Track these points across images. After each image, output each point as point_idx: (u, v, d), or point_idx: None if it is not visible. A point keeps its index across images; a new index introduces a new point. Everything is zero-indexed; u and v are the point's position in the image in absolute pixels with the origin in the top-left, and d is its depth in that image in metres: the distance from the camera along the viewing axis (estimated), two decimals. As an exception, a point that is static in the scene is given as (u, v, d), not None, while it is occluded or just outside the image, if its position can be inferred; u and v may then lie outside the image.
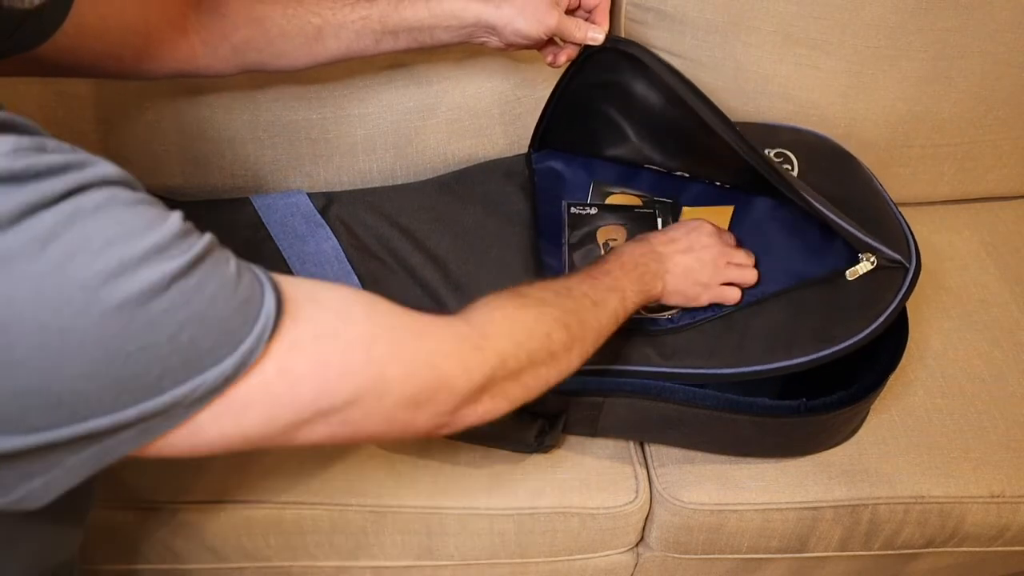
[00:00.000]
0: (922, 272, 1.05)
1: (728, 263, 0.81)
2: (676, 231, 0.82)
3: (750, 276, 0.82)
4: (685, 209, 0.92)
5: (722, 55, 1.01)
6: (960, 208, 1.16)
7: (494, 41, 0.79)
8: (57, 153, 0.39)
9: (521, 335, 0.58)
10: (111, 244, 0.38)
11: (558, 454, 0.87)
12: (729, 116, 0.89)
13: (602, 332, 0.67)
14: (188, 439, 0.43)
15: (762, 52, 1.00)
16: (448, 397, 0.53)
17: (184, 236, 0.41)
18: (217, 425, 0.44)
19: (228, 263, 0.44)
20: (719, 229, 0.83)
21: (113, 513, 0.83)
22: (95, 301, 0.37)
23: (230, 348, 0.42)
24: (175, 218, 0.42)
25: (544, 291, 0.64)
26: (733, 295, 0.81)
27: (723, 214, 0.90)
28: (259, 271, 0.46)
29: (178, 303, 0.40)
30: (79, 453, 0.41)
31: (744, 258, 0.83)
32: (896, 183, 1.11)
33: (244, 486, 0.83)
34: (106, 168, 0.40)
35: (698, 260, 0.79)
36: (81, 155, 0.40)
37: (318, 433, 0.48)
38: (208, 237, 0.43)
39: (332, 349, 0.47)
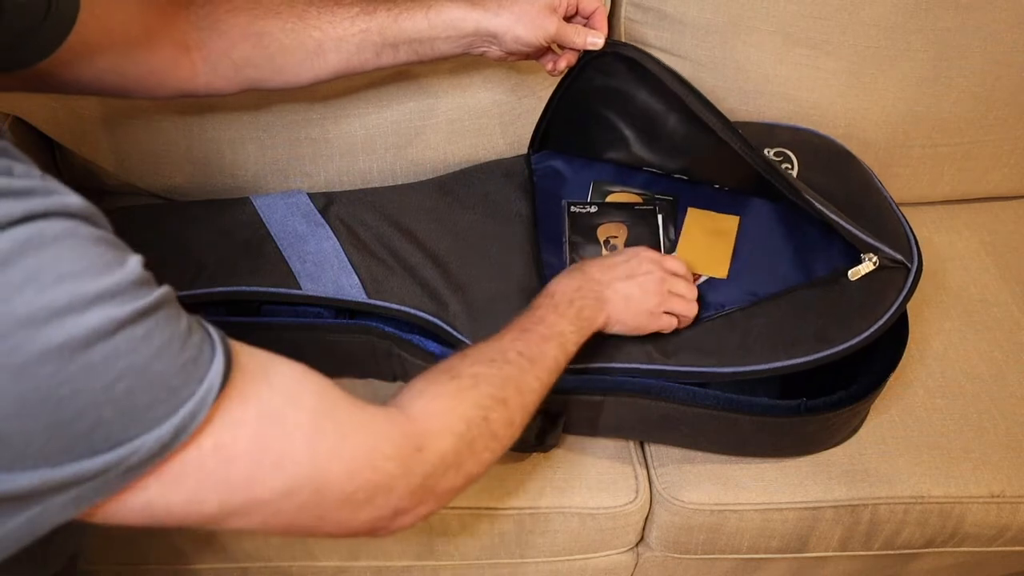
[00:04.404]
0: (923, 272, 1.05)
1: (671, 292, 0.77)
2: (615, 257, 0.78)
3: (691, 310, 0.78)
4: (690, 211, 0.91)
5: (722, 55, 1.01)
6: (960, 208, 1.16)
7: (494, 51, 0.79)
8: (24, 178, 0.37)
9: (461, 426, 0.56)
10: (63, 280, 0.36)
11: (558, 454, 0.87)
12: (729, 116, 0.89)
13: (543, 390, 0.65)
14: (112, 508, 0.41)
15: (762, 52, 1.00)
16: (387, 500, 0.51)
17: (140, 284, 0.40)
18: (144, 495, 0.42)
19: (180, 319, 0.42)
20: (662, 256, 0.79)
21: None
22: (36, 338, 0.35)
23: (170, 408, 0.40)
24: (134, 263, 0.40)
25: (477, 364, 0.61)
26: (671, 324, 0.78)
27: (728, 223, 0.89)
28: (214, 332, 0.44)
29: (122, 350, 0.38)
30: (6, 521, 0.38)
31: (686, 289, 0.78)
32: (896, 183, 1.11)
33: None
34: (71, 199, 0.39)
35: (640, 287, 0.76)
36: (49, 183, 0.39)
37: (247, 521, 0.46)
38: (164, 289, 0.41)
39: (274, 433, 0.45)
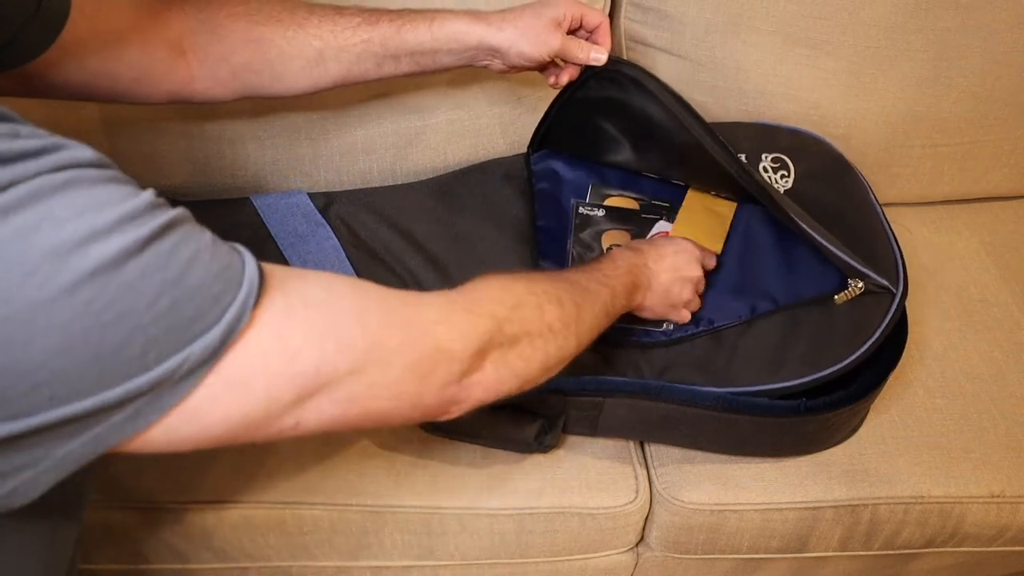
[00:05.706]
0: (922, 272, 1.05)
1: (698, 292, 0.83)
2: (666, 248, 0.81)
3: (698, 306, 0.84)
4: (691, 191, 0.93)
5: (722, 55, 1.01)
6: (960, 208, 1.16)
7: (497, 64, 0.79)
8: (32, 139, 0.38)
9: (511, 301, 0.58)
10: (80, 214, 0.37)
11: (558, 454, 0.87)
12: (729, 116, 0.89)
13: (594, 322, 0.66)
14: (188, 424, 0.42)
15: (762, 52, 1.00)
16: (449, 364, 0.52)
17: (156, 206, 0.40)
18: (217, 406, 0.42)
19: (203, 232, 0.43)
20: (704, 251, 0.84)
21: (114, 513, 0.83)
22: (65, 268, 0.36)
23: (215, 315, 0.41)
24: (147, 192, 0.41)
25: (533, 273, 0.65)
26: (685, 318, 0.83)
27: (726, 208, 0.91)
28: (238, 245, 0.45)
29: (154, 266, 0.38)
30: (68, 442, 0.39)
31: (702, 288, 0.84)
32: (896, 183, 1.11)
33: (245, 487, 0.83)
34: (82, 152, 0.39)
35: (680, 282, 0.80)
36: (56, 139, 0.39)
37: (325, 413, 0.47)
38: (181, 209, 0.42)
39: (325, 319, 0.46)
